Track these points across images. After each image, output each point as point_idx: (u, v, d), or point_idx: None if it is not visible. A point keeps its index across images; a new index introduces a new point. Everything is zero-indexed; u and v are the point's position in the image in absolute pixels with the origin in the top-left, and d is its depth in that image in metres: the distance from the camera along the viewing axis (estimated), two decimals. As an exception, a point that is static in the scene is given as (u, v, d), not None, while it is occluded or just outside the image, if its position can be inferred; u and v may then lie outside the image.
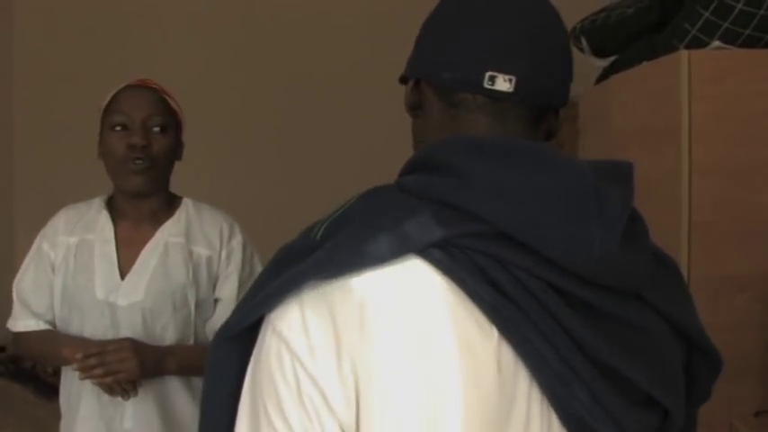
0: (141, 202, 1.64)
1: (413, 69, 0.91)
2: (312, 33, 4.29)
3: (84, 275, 1.58)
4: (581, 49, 2.55)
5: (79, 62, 4.11)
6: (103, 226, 1.63)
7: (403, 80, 0.94)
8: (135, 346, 1.51)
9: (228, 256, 1.67)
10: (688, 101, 1.77)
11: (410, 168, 0.84)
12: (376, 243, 0.72)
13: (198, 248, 1.65)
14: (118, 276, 1.60)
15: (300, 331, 0.73)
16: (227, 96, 4.29)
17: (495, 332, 0.74)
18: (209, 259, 1.65)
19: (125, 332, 1.56)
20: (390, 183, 0.82)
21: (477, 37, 0.82)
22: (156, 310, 1.59)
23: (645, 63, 2.11)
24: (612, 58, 2.45)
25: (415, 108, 0.91)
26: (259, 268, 1.67)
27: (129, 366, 1.47)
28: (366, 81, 4.17)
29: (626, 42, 2.32)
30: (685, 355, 0.90)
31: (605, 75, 2.50)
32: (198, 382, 1.61)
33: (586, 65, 2.69)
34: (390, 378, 0.71)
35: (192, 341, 1.64)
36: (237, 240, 1.70)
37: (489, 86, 0.81)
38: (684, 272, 1.79)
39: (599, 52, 2.46)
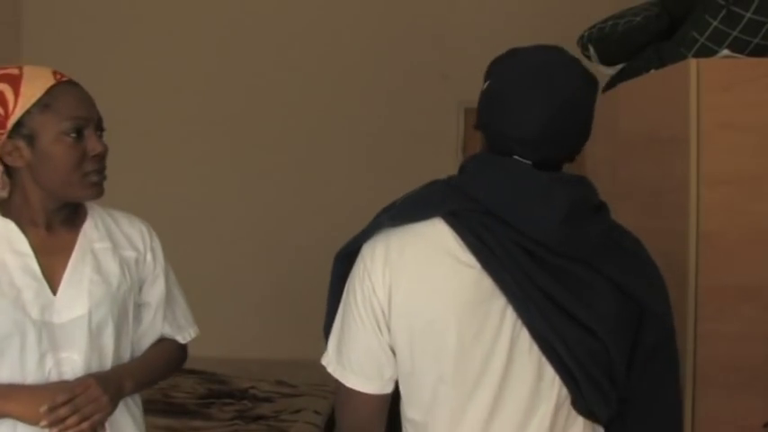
0: (61, 208, 1.46)
1: (481, 125, 1.35)
2: (303, 35, 4.30)
3: (6, 299, 1.36)
4: (588, 57, 2.54)
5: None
6: (11, 237, 1.41)
7: (475, 126, 1.38)
8: (99, 380, 1.38)
9: (154, 258, 1.59)
10: (696, 109, 1.77)
11: (460, 170, 1.35)
12: (420, 209, 1.27)
13: (125, 252, 1.54)
14: (49, 292, 1.41)
15: (370, 254, 1.29)
16: (228, 97, 4.30)
17: (477, 265, 1.22)
18: (137, 261, 1.56)
19: (68, 353, 1.40)
20: (439, 178, 1.35)
21: (508, 124, 1.26)
22: (101, 322, 1.44)
23: (652, 71, 2.11)
24: (620, 67, 2.44)
25: (484, 133, 1.35)
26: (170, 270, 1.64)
27: (102, 404, 1.36)
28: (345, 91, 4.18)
29: (634, 51, 2.31)
30: (636, 317, 1.28)
31: (612, 83, 2.49)
32: (134, 407, 1.55)
33: (594, 73, 2.69)
34: (414, 281, 1.24)
35: (130, 350, 1.56)
36: (157, 242, 1.62)
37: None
38: (692, 281, 1.79)
39: (606, 60, 2.45)
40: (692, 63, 1.78)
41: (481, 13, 4.25)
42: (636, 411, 1.31)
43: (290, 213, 4.27)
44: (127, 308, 1.52)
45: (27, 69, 1.42)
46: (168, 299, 1.64)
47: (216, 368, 4.02)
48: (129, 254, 1.55)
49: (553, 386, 1.23)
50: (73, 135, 1.41)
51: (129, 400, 1.51)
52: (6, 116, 1.37)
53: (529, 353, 1.22)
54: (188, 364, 4.27)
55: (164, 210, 4.34)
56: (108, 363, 1.47)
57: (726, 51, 1.86)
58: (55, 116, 1.40)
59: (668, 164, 1.90)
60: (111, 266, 1.49)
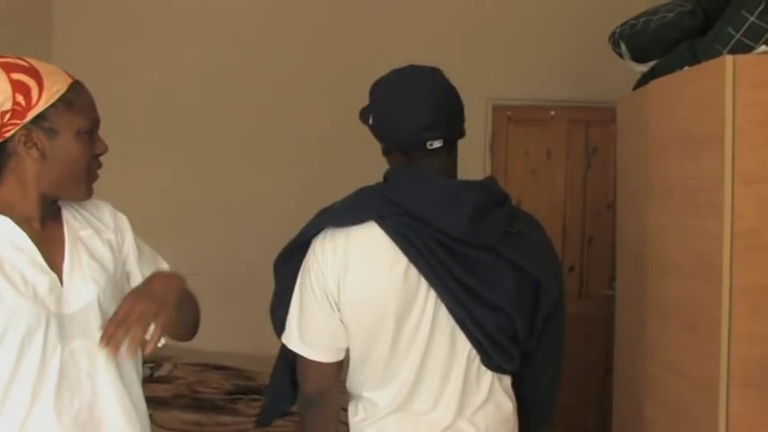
0: (53, 203, 1.47)
1: (384, 142, 1.66)
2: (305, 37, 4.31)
3: (25, 297, 1.35)
4: (620, 55, 2.52)
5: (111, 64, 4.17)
6: (11, 234, 1.39)
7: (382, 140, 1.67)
8: (137, 292, 1.39)
9: (123, 235, 1.59)
10: (732, 107, 1.74)
11: (384, 179, 1.62)
12: (357, 214, 1.55)
13: (105, 235, 1.54)
14: (59, 283, 1.41)
15: (320, 249, 1.57)
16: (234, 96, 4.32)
17: (404, 259, 1.52)
18: (117, 242, 1.56)
19: (81, 341, 1.41)
20: (369, 185, 1.61)
21: (414, 122, 1.56)
22: (109, 306, 1.45)
23: (686, 68, 2.08)
24: (652, 64, 2.41)
25: (386, 155, 1.68)
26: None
27: (151, 310, 1.34)
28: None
29: (666, 47, 2.29)
30: (533, 291, 1.59)
31: (644, 80, 2.46)
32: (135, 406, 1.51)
33: (624, 70, 2.66)
34: (357, 275, 1.54)
35: None
36: (121, 217, 1.61)
37: (430, 147, 1.57)
38: (726, 280, 1.77)
39: (638, 57, 2.42)
40: (728, 60, 1.76)
41: (510, 10, 4.22)
42: (536, 363, 1.68)
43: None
44: (123, 288, 1.53)
45: (37, 63, 1.41)
46: (143, 260, 1.64)
47: (243, 364, 4.04)
48: (110, 236, 1.56)
49: (464, 349, 1.57)
50: (89, 134, 1.43)
51: (132, 412, 1.49)
52: (28, 108, 1.36)
53: (446, 325, 1.56)
54: (215, 360, 4.32)
55: (192, 207, 4.38)
56: (122, 345, 1.45)
57: (763, 47, 1.82)
58: (77, 114, 1.41)
59: (703, 162, 1.88)
60: (102, 251, 1.51)
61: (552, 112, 4.17)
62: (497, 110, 4.20)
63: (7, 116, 1.35)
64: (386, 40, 4.26)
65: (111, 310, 1.45)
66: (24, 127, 1.37)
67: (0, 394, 1.33)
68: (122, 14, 4.43)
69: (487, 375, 1.61)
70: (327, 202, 1.65)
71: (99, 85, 1.48)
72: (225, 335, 4.35)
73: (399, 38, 4.25)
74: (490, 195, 1.58)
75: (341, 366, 1.64)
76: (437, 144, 1.56)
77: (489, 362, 1.59)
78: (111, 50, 4.34)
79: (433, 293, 1.54)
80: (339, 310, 1.57)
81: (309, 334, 1.59)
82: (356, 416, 1.64)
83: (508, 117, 4.20)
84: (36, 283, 1.37)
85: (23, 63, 1.39)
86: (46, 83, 1.38)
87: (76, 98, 1.41)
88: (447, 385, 1.58)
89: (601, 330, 3.84)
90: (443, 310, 1.55)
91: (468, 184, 1.57)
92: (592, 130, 4.18)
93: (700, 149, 1.90)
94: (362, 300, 1.55)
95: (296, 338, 1.60)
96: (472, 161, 4.11)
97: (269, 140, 4.37)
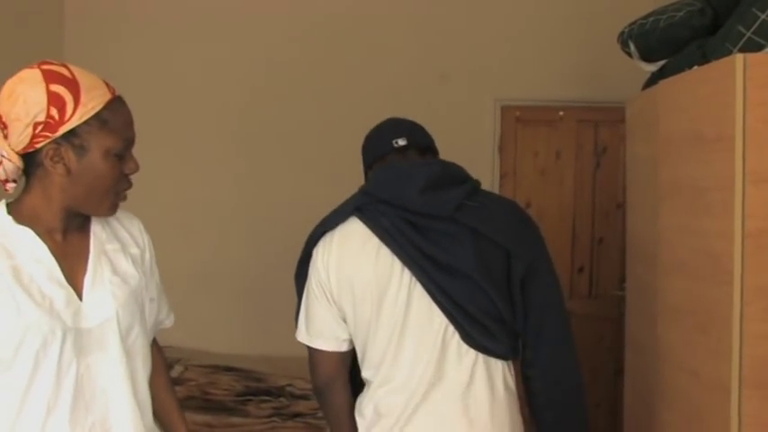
0: (77, 215, 1.46)
1: (366, 162, 1.95)
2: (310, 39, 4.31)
3: (41, 309, 1.34)
4: (629, 54, 2.51)
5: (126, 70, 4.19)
6: (31, 245, 1.38)
7: (367, 168, 1.95)
8: None
9: (150, 253, 1.60)
10: (743, 106, 1.73)
11: (367, 181, 1.90)
12: (340, 213, 1.80)
13: (131, 250, 1.54)
14: (76, 297, 1.40)
15: (315, 253, 1.80)
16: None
17: (377, 240, 1.71)
18: (141, 258, 1.57)
19: (98, 356, 1.40)
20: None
21: (383, 136, 1.92)
22: (128, 322, 1.45)
23: (696, 68, 2.07)
24: (661, 63, 2.40)
25: (366, 172, 1.95)
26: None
27: None
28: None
29: (676, 47, 2.28)
30: (502, 257, 1.70)
31: (653, 80, 2.45)
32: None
33: (632, 69, 2.65)
34: (341, 261, 1.74)
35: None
36: (148, 236, 1.62)
37: (396, 145, 1.85)
38: (738, 280, 1.76)
39: (647, 57, 2.41)
40: (739, 58, 1.74)
41: (517, 11, 4.22)
42: (530, 339, 1.73)
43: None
44: (144, 305, 1.53)
45: (80, 74, 1.38)
46: (159, 290, 1.66)
47: (253, 365, 4.05)
48: (135, 251, 1.55)
49: (441, 325, 1.67)
50: (120, 154, 1.41)
51: (143, 430, 1.49)
52: (61, 122, 1.34)
53: (421, 299, 1.68)
54: (226, 362, 4.33)
55: (203, 210, 4.39)
56: (138, 361, 1.49)
57: (773, 46, 1.81)
58: (110, 134, 1.39)
59: (713, 162, 1.87)
60: (125, 266, 1.50)
61: (561, 113, 4.17)
62: (506, 110, 4.20)
63: (39, 128, 1.34)
64: (395, 42, 4.26)
65: (130, 325, 1.46)
66: (54, 141, 1.35)
67: (15, 407, 1.33)
68: (133, 19, 4.45)
69: (470, 354, 1.67)
70: (335, 206, 1.84)
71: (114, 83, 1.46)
72: (235, 337, 4.37)
73: (409, 40, 4.25)
74: (444, 172, 1.77)
75: (345, 359, 1.81)
76: (402, 142, 1.84)
77: (470, 340, 1.67)
78: (122, 53, 4.36)
79: (407, 271, 1.69)
80: (335, 302, 1.76)
81: (313, 326, 1.80)
82: (360, 396, 1.81)
83: (517, 118, 4.19)
84: (53, 297, 1.36)
85: (66, 73, 1.37)
86: (83, 98, 1.36)
87: (112, 117, 1.39)
88: (421, 359, 1.67)
89: (611, 331, 3.84)
90: (419, 286, 1.68)
91: (421, 163, 1.81)
92: (601, 130, 4.17)
93: (710, 149, 1.89)
94: (346, 281, 1.73)
95: (303, 332, 1.83)
96: (481, 162, 4.11)
97: (278, 144, 4.37)
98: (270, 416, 3.32)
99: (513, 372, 1.74)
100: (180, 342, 4.05)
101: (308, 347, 1.82)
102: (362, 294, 1.71)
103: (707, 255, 1.91)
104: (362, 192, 1.81)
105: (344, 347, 1.79)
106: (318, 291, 1.78)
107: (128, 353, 1.45)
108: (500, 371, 1.70)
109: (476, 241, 1.67)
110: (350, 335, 1.78)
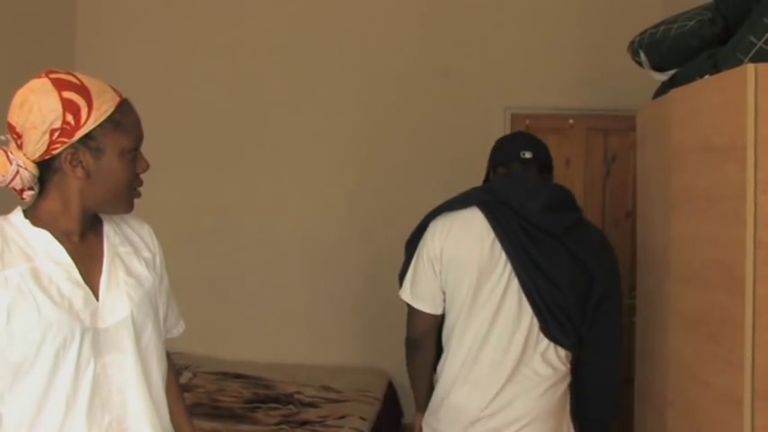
0: (92, 216, 1.49)
1: (492, 162, 2.33)
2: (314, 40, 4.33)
3: (62, 309, 1.36)
4: (639, 63, 2.51)
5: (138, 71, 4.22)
6: (49, 247, 1.41)
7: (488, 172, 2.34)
8: None
9: (160, 257, 1.64)
10: (754, 115, 1.72)
11: (487, 180, 2.33)
12: (464, 200, 2.16)
13: (143, 253, 1.58)
14: (94, 298, 1.43)
15: (432, 229, 2.17)
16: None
17: (493, 234, 2.08)
18: (153, 262, 1.60)
19: (114, 356, 1.43)
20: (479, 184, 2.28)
21: (514, 146, 2.27)
22: (142, 322, 1.49)
23: (707, 77, 2.07)
24: (672, 73, 2.40)
25: (489, 171, 2.33)
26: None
27: None
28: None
29: (686, 56, 2.27)
30: (587, 279, 2.09)
31: (664, 89, 2.45)
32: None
33: (642, 78, 2.65)
34: (456, 242, 2.11)
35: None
36: (158, 240, 1.66)
37: (523, 156, 2.22)
38: (750, 290, 1.75)
39: (658, 66, 2.41)
40: (750, 68, 1.74)
41: (527, 20, 4.22)
42: (590, 343, 2.15)
43: (338, 222, 4.30)
44: (158, 306, 1.56)
45: (87, 80, 1.42)
46: (169, 296, 1.69)
47: (262, 373, 4.05)
48: (147, 255, 1.59)
49: (529, 316, 2.07)
50: (133, 153, 1.46)
51: (159, 428, 1.51)
52: (77, 127, 1.38)
53: (516, 292, 2.08)
54: (234, 369, 4.34)
55: (211, 217, 4.41)
56: (152, 361, 1.51)
57: (785, 56, 1.81)
58: (123, 135, 1.43)
59: (724, 171, 1.86)
60: (139, 268, 1.53)
61: (571, 121, 4.17)
62: (516, 119, 4.20)
63: (56, 134, 1.37)
64: (407, 52, 4.27)
65: (144, 325, 1.49)
66: (71, 146, 1.39)
67: (35, 407, 1.35)
68: (145, 26, 4.48)
69: (544, 343, 2.09)
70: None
71: (123, 90, 1.49)
72: (244, 344, 4.38)
73: (419, 49, 4.27)
74: (561, 197, 2.17)
75: (438, 321, 2.19)
76: (528, 155, 2.20)
77: (547, 330, 2.08)
78: (133, 60, 4.39)
79: (509, 266, 2.07)
80: (440, 273, 2.13)
81: (416, 289, 2.18)
82: (442, 365, 2.18)
83: (527, 126, 4.19)
84: (72, 297, 1.39)
85: (74, 80, 1.40)
86: (95, 102, 1.40)
87: (123, 118, 1.44)
88: (513, 340, 2.07)
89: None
90: (515, 281, 2.07)
91: (547, 186, 2.18)
92: (611, 138, 4.17)
93: (721, 158, 1.88)
94: (455, 257, 2.10)
95: (408, 292, 2.20)
96: (490, 170, 4.11)
97: (287, 150, 4.39)
98: (278, 423, 3.33)
99: (569, 359, 2.16)
100: (189, 349, 4.07)
101: (409, 305, 2.20)
102: (465, 275, 2.09)
103: (718, 264, 1.90)
104: (485, 189, 2.16)
105: (439, 311, 2.18)
106: (428, 261, 2.15)
107: (142, 353, 1.48)
108: (561, 357, 2.13)
109: (572, 261, 2.07)
110: (445, 303, 2.16)
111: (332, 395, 3.73)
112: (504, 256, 2.06)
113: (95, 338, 1.40)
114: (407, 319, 2.22)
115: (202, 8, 4.44)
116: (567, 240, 2.08)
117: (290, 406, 3.55)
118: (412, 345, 2.23)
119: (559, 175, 4.26)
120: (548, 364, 2.09)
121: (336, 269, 4.28)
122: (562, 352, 2.12)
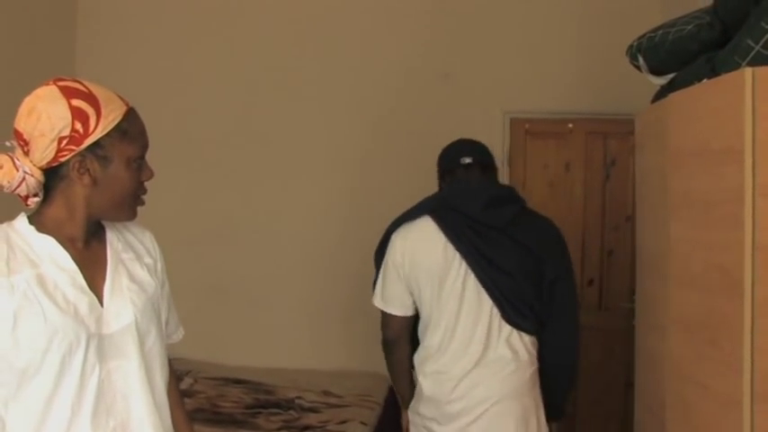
0: (95, 223, 1.51)
1: (440, 172, 2.54)
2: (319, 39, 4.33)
3: (67, 315, 1.37)
4: (638, 67, 2.51)
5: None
6: (54, 253, 1.42)
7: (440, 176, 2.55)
8: None
9: (161, 264, 1.65)
10: (752, 119, 1.73)
11: (440, 188, 2.54)
12: (417, 211, 2.42)
13: (145, 259, 1.59)
14: (98, 304, 1.44)
15: (394, 240, 2.42)
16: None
17: (445, 238, 2.33)
18: (155, 268, 1.62)
19: (118, 362, 1.44)
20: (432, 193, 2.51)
21: (455, 153, 2.50)
22: (146, 328, 1.50)
23: (705, 81, 2.07)
24: (670, 77, 2.40)
25: (439, 180, 2.53)
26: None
27: None
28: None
29: (684, 60, 2.28)
30: (536, 263, 2.33)
31: (663, 93, 2.45)
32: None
33: (641, 82, 2.66)
34: (414, 248, 2.37)
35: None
36: (159, 247, 1.68)
37: (463, 162, 2.44)
38: (748, 294, 1.75)
39: (656, 70, 2.42)
40: (747, 72, 1.74)
41: (526, 24, 4.23)
42: (549, 325, 2.38)
43: (337, 226, 4.30)
44: (160, 312, 1.58)
45: (95, 89, 1.42)
46: (170, 302, 1.70)
47: (262, 378, 4.05)
48: (149, 261, 1.60)
49: (488, 306, 2.30)
50: (139, 162, 1.47)
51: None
52: (85, 135, 1.39)
53: (474, 286, 2.30)
54: (235, 374, 4.33)
55: (211, 222, 4.41)
56: (155, 367, 1.52)
57: (782, 59, 1.81)
58: (130, 143, 1.45)
59: (722, 175, 1.86)
60: (142, 275, 1.54)
61: (570, 125, 4.17)
62: (515, 123, 4.21)
63: (64, 142, 1.38)
64: (406, 57, 4.28)
65: (148, 331, 1.50)
66: (79, 153, 1.40)
67: (41, 411, 1.35)
68: (146, 29, 4.49)
69: (506, 328, 2.31)
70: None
71: (124, 95, 1.50)
72: (245, 349, 4.38)
73: (419, 54, 4.27)
74: (501, 193, 2.42)
75: (409, 322, 2.43)
76: (468, 160, 2.43)
77: (508, 318, 2.30)
78: (134, 62, 4.40)
79: (464, 264, 2.30)
80: (405, 278, 2.37)
81: (386, 295, 2.42)
82: (418, 357, 2.41)
83: (526, 130, 4.20)
84: (77, 303, 1.40)
85: (82, 88, 1.41)
86: (103, 111, 1.41)
87: (130, 127, 1.45)
88: (476, 329, 2.30)
89: (622, 343, 3.82)
90: (472, 276, 2.30)
91: (486, 185, 2.42)
92: (610, 142, 4.18)
93: (719, 162, 1.89)
94: (416, 263, 2.35)
95: (379, 299, 2.44)
96: (490, 174, 4.11)
97: (288, 155, 4.39)
98: (279, 428, 3.32)
99: (534, 344, 2.36)
100: (189, 354, 4.07)
101: (382, 311, 2.43)
102: (426, 277, 2.33)
103: (717, 267, 1.91)
104: (436, 197, 2.44)
105: (409, 313, 2.41)
106: (393, 268, 2.39)
107: (146, 358, 1.49)
108: (525, 342, 2.33)
109: (519, 249, 2.31)
110: (414, 305, 2.39)
111: (333, 400, 3.73)
112: (458, 255, 2.30)
113: (100, 344, 1.41)
114: (381, 323, 2.45)
115: (203, 12, 4.45)
116: (511, 231, 2.31)
117: (291, 411, 3.55)
118: (388, 345, 2.47)
119: (559, 180, 4.28)
120: (512, 349, 2.30)
121: (337, 274, 4.28)
122: (527, 337, 2.33)
